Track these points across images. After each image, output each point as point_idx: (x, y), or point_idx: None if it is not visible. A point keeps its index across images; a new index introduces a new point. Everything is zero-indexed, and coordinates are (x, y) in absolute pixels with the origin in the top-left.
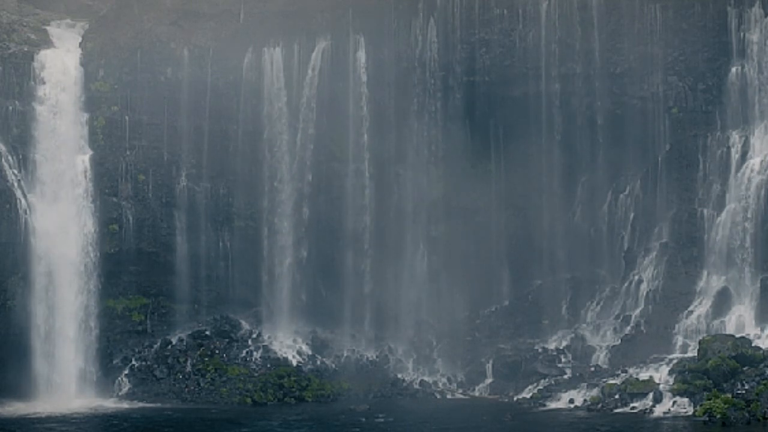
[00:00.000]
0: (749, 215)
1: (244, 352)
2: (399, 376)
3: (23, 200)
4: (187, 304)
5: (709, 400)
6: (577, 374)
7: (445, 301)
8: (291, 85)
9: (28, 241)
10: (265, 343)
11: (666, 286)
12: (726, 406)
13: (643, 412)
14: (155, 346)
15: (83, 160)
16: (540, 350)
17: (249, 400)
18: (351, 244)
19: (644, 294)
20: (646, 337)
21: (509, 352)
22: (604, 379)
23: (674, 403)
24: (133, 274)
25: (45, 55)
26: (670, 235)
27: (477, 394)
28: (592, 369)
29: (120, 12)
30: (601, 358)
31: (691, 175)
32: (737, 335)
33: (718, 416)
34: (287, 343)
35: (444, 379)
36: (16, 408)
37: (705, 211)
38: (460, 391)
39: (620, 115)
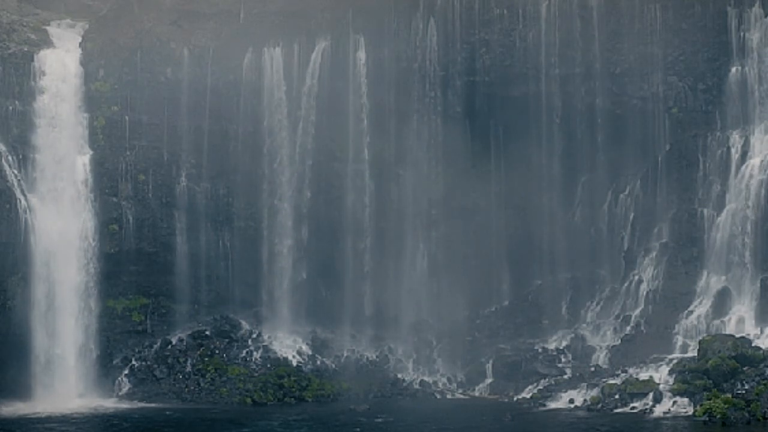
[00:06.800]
0: (749, 215)
1: (244, 352)
2: (399, 376)
3: (23, 200)
4: (187, 304)
5: (709, 400)
6: (577, 374)
7: (445, 301)
8: (291, 85)
9: (28, 241)
10: (265, 343)
11: (666, 286)
12: (726, 406)
13: (643, 412)
14: (155, 346)
15: (83, 160)
16: (540, 350)
17: (249, 400)
18: (351, 243)
19: (644, 294)
20: (646, 337)
21: (509, 352)
22: (604, 379)
23: (674, 403)
24: (133, 274)
25: (45, 55)
26: (670, 235)
27: (477, 394)
28: (592, 369)
29: (120, 12)
30: (601, 358)
31: (691, 175)
32: (737, 335)
33: (718, 416)
34: (287, 343)
35: (444, 379)
36: (16, 408)
37: (705, 211)
38: (460, 391)
39: (620, 115)
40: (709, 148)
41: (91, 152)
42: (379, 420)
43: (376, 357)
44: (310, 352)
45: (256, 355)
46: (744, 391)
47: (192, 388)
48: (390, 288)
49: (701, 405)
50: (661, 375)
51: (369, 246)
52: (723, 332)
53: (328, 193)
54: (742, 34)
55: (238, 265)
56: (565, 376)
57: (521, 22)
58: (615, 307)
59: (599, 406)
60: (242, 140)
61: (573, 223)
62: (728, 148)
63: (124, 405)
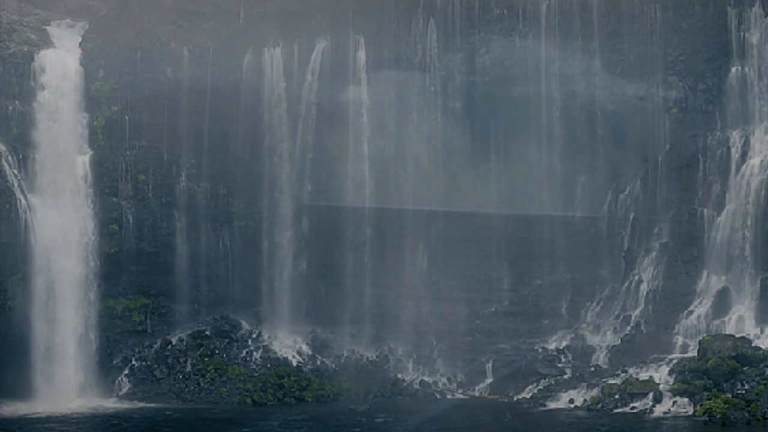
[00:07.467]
0: (749, 215)
1: (244, 352)
2: (399, 376)
3: (23, 200)
4: (187, 304)
5: (709, 400)
6: (577, 374)
7: (445, 301)
8: (291, 85)
9: (28, 241)
10: (265, 343)
11: (666, 286)
12: (726, 406)
13: (643, 412)
14: (155, 346)
15: (83, 160)
16: (540, 350)
17: (249, 400)
18: (351, 243)
19: (644, 294)
20: (646, 337)
21: (509, 352)
22: (604, 379)
23: (674, 403)
24: (133, 274)
25: (45, 55)
26: (670, 235)
27: (477, 394)
28: (592, 369)
29: (120, 12)
30: (601, 358)
31: (691, 175)
32: (737, 335)
33: (718, 416)
34: (287, 343)
35: (444, 379)
36: (16, 408)
37: (705, 211)
38: (460, 391)
39: (620, 115)
40: (709, 148)
41: (91, 152)
42: (379, 420)
43: (376, 357)
44: (310, 352)
45: (256, 355)
46: (744, 391)
47: (192, 388)
48: (390, 288)
49: (701, 405)
50: (661, 375)
51: (369, 246)
52: (723, 332)
53: (328, 192)
54: (742, 34)
55: (238, 265)
56: (565, 376)
57: (521, 22)
58: (615, 307)
59: (599, 406)
60: (242, 140)
61: (573, 223)
62: (728, 148)
63: (124, 405)
